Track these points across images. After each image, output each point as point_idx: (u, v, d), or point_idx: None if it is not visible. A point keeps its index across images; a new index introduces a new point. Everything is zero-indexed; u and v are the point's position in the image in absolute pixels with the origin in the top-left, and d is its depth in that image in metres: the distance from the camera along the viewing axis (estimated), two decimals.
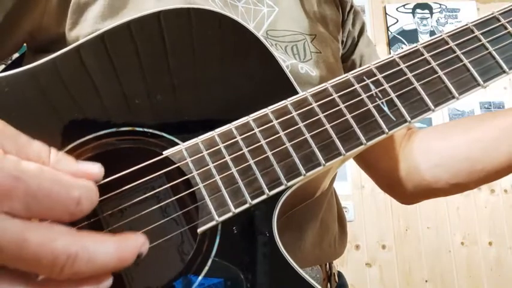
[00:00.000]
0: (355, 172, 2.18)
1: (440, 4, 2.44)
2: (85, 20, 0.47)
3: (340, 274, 0.64)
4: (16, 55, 0.54)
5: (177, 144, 0.36)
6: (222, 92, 0.39)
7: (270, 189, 0.35)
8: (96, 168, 0.27)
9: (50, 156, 0.26)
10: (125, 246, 0.26)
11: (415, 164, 0.60)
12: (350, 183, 2.19)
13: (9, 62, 0.54)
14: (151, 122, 0.37)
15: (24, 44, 0.53)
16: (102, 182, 0.32)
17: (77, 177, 0.26)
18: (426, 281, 2.08)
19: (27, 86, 0.36)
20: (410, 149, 0.62)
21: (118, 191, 0.33)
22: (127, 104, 0.37)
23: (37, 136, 0.33)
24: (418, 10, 2.44)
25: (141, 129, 0.37)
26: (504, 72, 0.39)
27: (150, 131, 0.37)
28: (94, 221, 0.34)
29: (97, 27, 0.46)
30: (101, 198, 0.31)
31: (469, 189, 0.57)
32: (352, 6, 0.68)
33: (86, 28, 0.47)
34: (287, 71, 0.41)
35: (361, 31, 0.69)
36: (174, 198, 0.36)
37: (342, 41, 0.66)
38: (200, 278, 0.33)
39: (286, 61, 0.51)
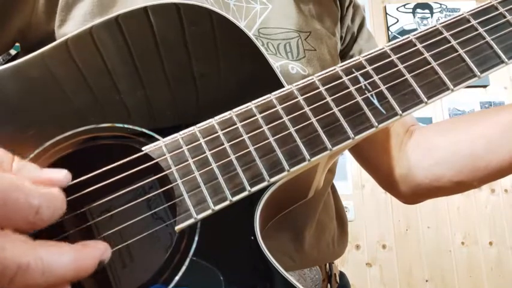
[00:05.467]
0: (355, 172, 2.18)
1: (440, 4, 2.43)
2: (74, 17, 0.47)
3: (342, 274, 0.62)
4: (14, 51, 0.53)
5: (158, 140, 0.35)
6: (206, 88, 0.38)
7: (251, 186, 0.33)
8: (60, 175, 0.27)
9: (13, 164, 0.25)
10: (83, 256, 0.25)
11: (417, 162, 0.58)
12: (350, 183, 2.18)
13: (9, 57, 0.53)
14: (132, 118, 0.36)
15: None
16: (77, 180, 0.31)
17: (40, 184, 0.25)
18: (427, 281, 2.08)
19: (7, 83, 0.36)
20: (411, 146, 0.60)
21: (93, 187, 0.32)
22: (106, 100, 0.36)
23: (14, 134, 0.32)
24: (418, 10, 2.43)
25: (121, 125, 0.36)
26: (503, 62, 0.37)
27: (131, 127, 0.36)
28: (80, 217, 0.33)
29: (86, 24, 0.45)
30: (70, 197, 0.30)
31: (473, 187, 0.54)
32: (351, 1, 0.66)
33: (74, 25, 0.46)
34: (274, 66, 0.39)
35: (361, 26, 0.67)
36: (151, 194, 0.35)
37: (341, 37, 0.64)
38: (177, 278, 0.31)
39: (275, 63, 0.50)
